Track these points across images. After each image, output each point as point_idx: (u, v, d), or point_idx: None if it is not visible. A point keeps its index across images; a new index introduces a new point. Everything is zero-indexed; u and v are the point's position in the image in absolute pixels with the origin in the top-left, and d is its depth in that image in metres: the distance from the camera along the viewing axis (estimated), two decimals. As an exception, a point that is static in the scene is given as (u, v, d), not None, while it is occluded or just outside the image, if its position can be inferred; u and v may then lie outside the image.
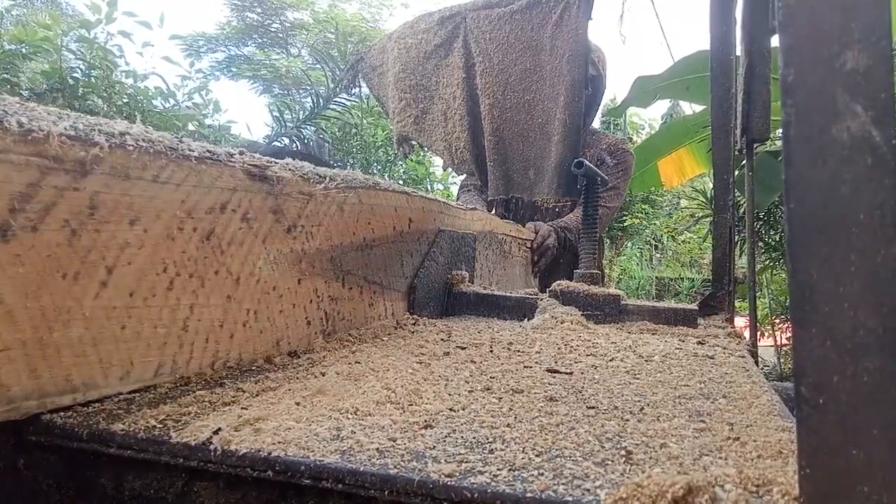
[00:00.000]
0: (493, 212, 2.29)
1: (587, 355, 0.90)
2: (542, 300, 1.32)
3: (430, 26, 2.16)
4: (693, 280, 8.11)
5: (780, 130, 0.33)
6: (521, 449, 0.48)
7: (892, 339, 0.29)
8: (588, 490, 0.40)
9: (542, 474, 0.42)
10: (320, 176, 0.84)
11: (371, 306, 1.02)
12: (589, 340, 1.02)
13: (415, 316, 1.20)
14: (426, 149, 2.46)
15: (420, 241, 1.20)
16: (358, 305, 0.97)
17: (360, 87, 2.74)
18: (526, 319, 1.27)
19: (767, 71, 1.25)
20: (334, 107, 3.32)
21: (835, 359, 0.30)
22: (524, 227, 2.14)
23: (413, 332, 1.08)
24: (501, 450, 0.47)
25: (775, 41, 0.56)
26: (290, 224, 0.79)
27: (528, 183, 2.06)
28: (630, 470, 0.44)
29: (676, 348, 0.99)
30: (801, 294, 0.31)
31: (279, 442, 0.47)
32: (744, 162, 1.53)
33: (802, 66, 0.31)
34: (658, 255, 9.63)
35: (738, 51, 1.37)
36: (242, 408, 0.57)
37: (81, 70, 3.73)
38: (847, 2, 0.31)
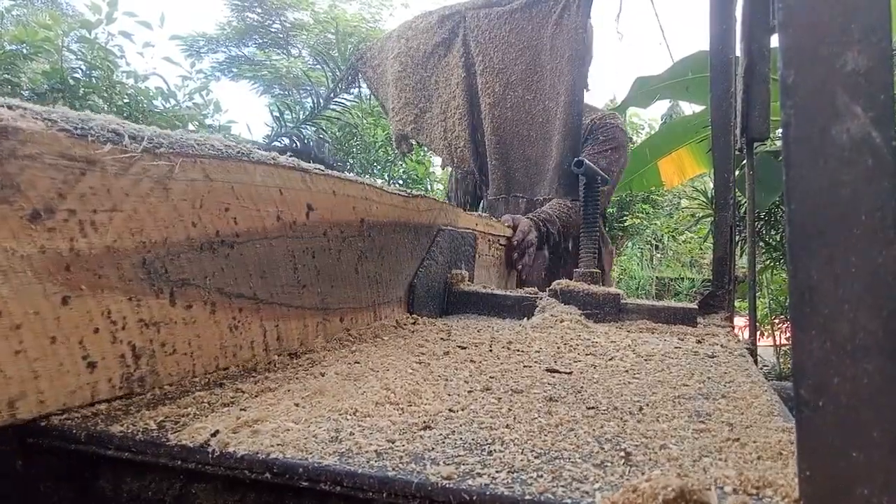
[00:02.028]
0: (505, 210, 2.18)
1: (587, 354, 0.90)
2: (541, 299, 1.32)
3: (430, 25, 2.16)
4: (693, 280, 8.11)
5: (780, 131, 0.33)
6: (520, 450, 0.47)
7: (892, 341, 0.29)
8: (587, 492, 0.40)
9: (541, 476, 0.42)
10: (116, 133, 0.56)
11: (234, 330, 0.72)
12: (588, 339, 1.02)
13: (414, 315, 1.20)
14: (425, 148, 2.45)
15: (328, 237, 0.90)
16: (206, 331, 0.67)
17: (360, 87, 2.74)
18: (525, 318, 1.27)
19: (767, 70, 1.25)
20: (334, 107, 3.31)
21: (835, 361, 0.30)
22: (500, 221, 1.94)
23: (413, 332, 1.08)
24: (500, 451, 0.47)
25: (775, 40, 0.56)
26: (40, 207, 0.51)
27: (528, 182, 2.05)
28: (629, 472, 0.44)
29: (676, 347, 0.99)
30: (802, 295, 0.30)
31: (277, 444, 0.47)
32: (744, 161, 1.53)
33: (802, 67, 0.31)
34: (658, 255, 9.62)
35: (738, 50, 1.37)
36: (241, 409, 0.57)
37: (82, 70, 3.73)
38: (847, 2, 0.30)
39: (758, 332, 1.68)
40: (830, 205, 0.30)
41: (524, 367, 0.80)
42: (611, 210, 8.52)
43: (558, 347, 0.95)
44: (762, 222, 3.11)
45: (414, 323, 1.15)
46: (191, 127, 3.97)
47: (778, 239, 3.17)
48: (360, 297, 1.01)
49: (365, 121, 5.03)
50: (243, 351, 0.74)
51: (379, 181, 1.12)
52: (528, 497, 0.39)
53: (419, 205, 1.24)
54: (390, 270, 1.13)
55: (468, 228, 1.55)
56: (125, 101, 3.77)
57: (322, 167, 0.87)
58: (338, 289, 0.95)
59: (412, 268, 1.23)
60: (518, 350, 0.92)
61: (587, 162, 1.51)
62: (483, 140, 2.10)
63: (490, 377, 0.73)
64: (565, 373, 0.78)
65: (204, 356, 0.68)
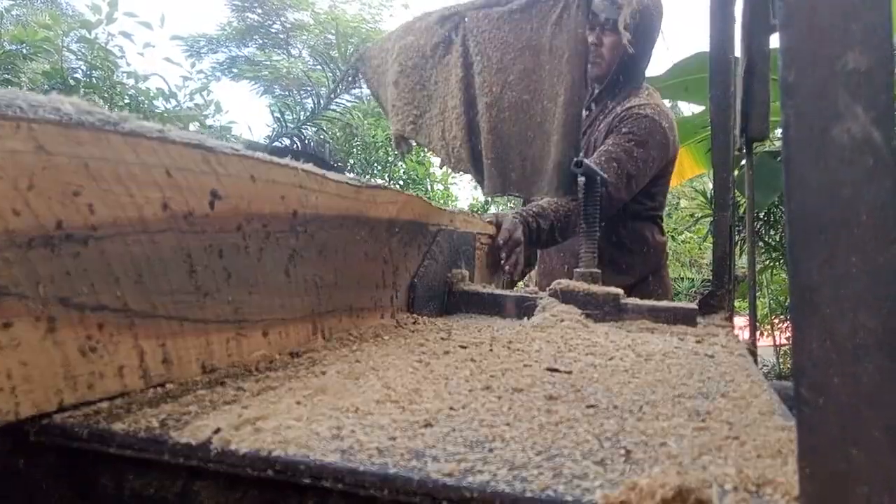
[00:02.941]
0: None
1: (587, 354, 0.91)
2: (541, 299, 1.33)
3: (429, 25, 2.16)
4: (693, 280, 8.10)
5: (780, 131, 0.33)
6: (520, 448, 0.48)
7: (892, 340, 0.29)
8: (587, 489, 0.40)
9: (542, 473, 0.42)
10: None
11: (90, 353, 0.55)
12: (588, 339, 1.02)
13: (415, 315, 1.20)
14: (424, 148, 2.44)
15: (244, 232, 0.73)
16: (39, 356, 0.51)
17: (360, 87, 2.74)
18: (526, 318, 1.27)
19: (767, 69, 1.25)
20: (335, 108, 3.32)
21: (835, 359, 0.30)
22: (493, 218, 1.81)
23: (413, 331, 1.08)
24: (501, 449, 0.47)
25: (775, 40, 0.56)
26: None
27: (525, 182, 2.04)
28: (629, 469, 0.44)
29: (676, 347, 0.99)
30: (802, 295, 0.31)
31: (279, 441, 0.47)
32: (743, 161, 1.53)
33: (803, 67, 0.31)
34: (658, 255, 9.60)
35: (738, 49, 1.37)
36: (243, 407, 0.57)
37: (82, 71, 3.74)
38: (848, 2, 0.31)
39: (758, 332, 1.68)
40: (831, 205, 0.30)
41: (524, 366, 0.80)
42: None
43: (558, 347, 0.95)
44: (762, 222, 3.11)
45: (414, 322, 1.15)
46: (192, 127, 3.97)
47: (777, 239, 3.17)
48: (293, 306, 0.84)
49: (365, 121, 5.03)
50: (107, 380, 0.56)
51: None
52: (528, 494, 0.39)
53: (376, 196, 1.04)
54: (337, 273, 0.94)
55: (441, 224, 1.40)
56: (126, 101, 3.77)
57: (239, 146, 0.73)
58: (259, 296, 0.76)
59: (371, 269, 1.07)
60: (518, 349, 0.92)
61: (586, 161, 1.52)
62: (480, 140, 2.10)
63: (490, 376, 0.73)
64: (565, 372, 0.78)
65: (36, 391, 0.50)
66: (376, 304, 1.10)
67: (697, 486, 0.36)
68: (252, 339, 0.76)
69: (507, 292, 1.44)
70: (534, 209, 1.90)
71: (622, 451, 0.47)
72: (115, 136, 0.56)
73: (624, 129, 1.96)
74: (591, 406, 0.61)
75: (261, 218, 0.76)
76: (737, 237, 2.35)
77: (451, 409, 0.58)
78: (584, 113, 2.20)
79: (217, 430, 0.49)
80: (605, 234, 2.02)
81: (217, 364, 0.69)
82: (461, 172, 2.32)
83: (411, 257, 1.24)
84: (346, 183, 0.95)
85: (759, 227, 3.08)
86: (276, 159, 0.78)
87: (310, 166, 0.86)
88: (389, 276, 1.14)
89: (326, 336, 0.91)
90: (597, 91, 2.16)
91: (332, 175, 0.91)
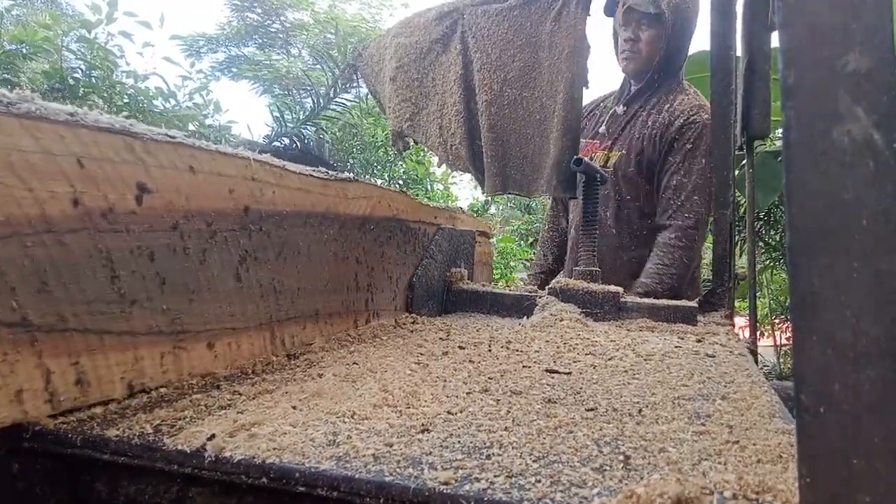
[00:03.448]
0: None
1: (586, 354, 0.90)
2: (540, 298, 1.32)
3: (428, 22, 2.16)
4: (694, 278, 8.07)
5: (780, 132, 0.33)
6: (518, 454, 0.47)
7: (893, 347, 0.28)
8: (585, 498, 0.39)
9: (540, 481, 0.42)
10: None
11: None
12: (588, 339, 1.02)
13: (413, 315, 1.20)
14: (421, 145, 2.44)
15: (182, 231, 0.65)
16: None
17: (359, 86, 2.74)
18: (525, 317, 1.27)
19: (767, 67, 1.24)
20: (334, 107, 3.31)
21: (836, 367, 0.29)
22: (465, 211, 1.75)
23: (412, 332, 1.07)
24: (499, 455, 0.47)
25: (775, 38, 0.56)
26: None
27: (525, 180, 2.03)
28: (628, 476, 0.43)
29: (676, 346, 0.99)
30: (803, 301, 0.30)
31: (274, 448, 0.47)
32: (744, 161, 1.52)
33: (803, 68, 0.31)
34: (659, 253, 9.58)
35: (739, 47, 1.37)
36: (238, 412, 0.56)
37: (82, 70, 3.73)
38: (848, 2, 0.30)
39: (758, 332, 1.67)
40: (831, 209, 0.30)
41: (523, 367, 0.79)
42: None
43: (558, 347, 0.94)
44: (762, 222, 3.11)
45: (413, 322, 1.15)
46: (191, 127, 3.97)
47: (778, 239, 3.16)
48: (244, 314, 0.75)
49: (365, 121, 5.02)
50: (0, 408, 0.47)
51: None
52: (525, 503, 0.39)
53: (346, 190, 0.94)
54: (301, 275, 0.85)
55: (423, 222, 1.32)
56: (125, 101, 3.77)
57: (175, 133, 0.65)
58: (201, 304, 0.68)
59: (342, 271, 0.97)
60: (517, 350, 0.91)
61: (586, 160, 1.51)
62: (479, 138, 2.10)
63: (489, 378, 0.73)
64: (564, 373, 0.77)
65: None
66: (348, 308, 1.00)
67: (696, 495, 0.35)
68: (194, 352, 0.67)
69: (507, 291, 1.43)
70: (643, 287, 1.78)
71: (621, 457, 0.47)
72: (7, 119, 0.47)
73: (689, 146, 1.90)
74: (591, 409, 0.61)
75: (203, 215, 0.67)
76: (737, 237, 2.34)
77: (449, 412, 0.58)
78: (622, 109, 2.17)
79: (211, 437, 0.48)
80: (642, 240, 2.00)
81: (149, 383, 0.60)
82: (459, 171, 2.31)
83: (390, 257, 1.14)
84: (311, 175, 0.86)
85: (759, 226, 3.07)
86: (221, 148, 0.69)
87: (266, 157, 0.77)
88: (364, 277, 1.04)
89: (287, 345, 0.83)
90: (634, 88, 2.13)
91: (293, 167, 0.83)
